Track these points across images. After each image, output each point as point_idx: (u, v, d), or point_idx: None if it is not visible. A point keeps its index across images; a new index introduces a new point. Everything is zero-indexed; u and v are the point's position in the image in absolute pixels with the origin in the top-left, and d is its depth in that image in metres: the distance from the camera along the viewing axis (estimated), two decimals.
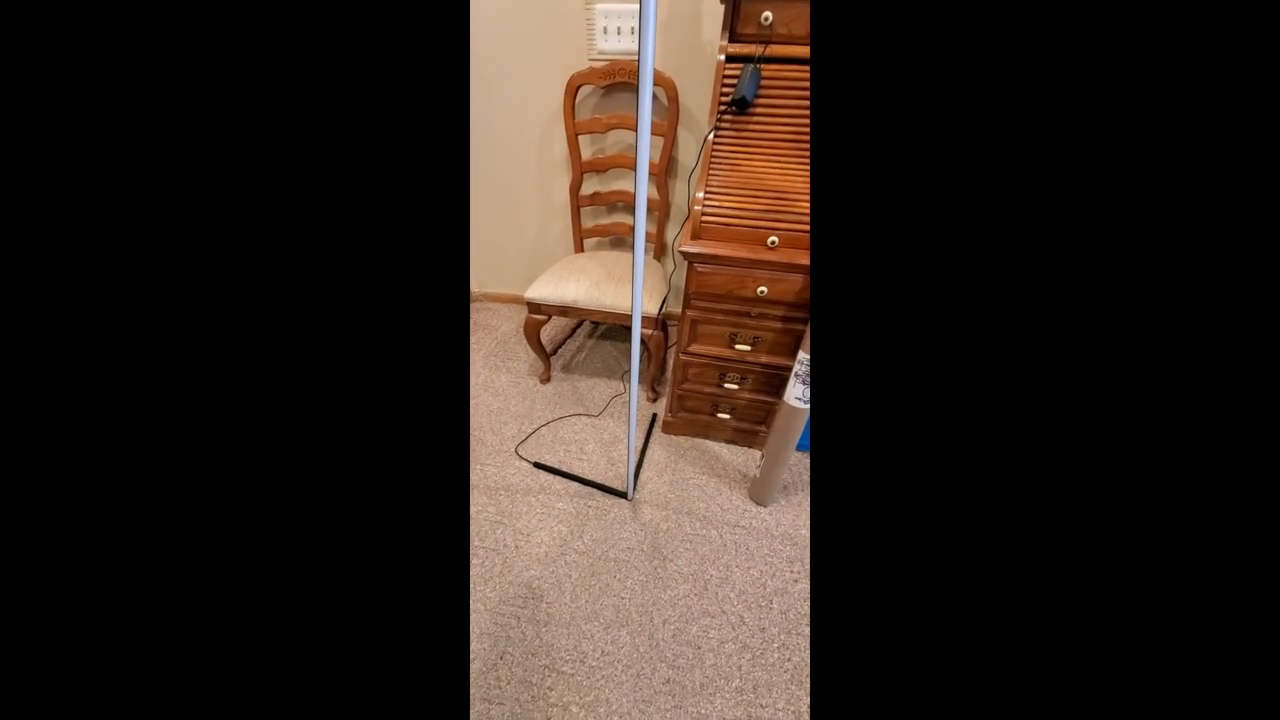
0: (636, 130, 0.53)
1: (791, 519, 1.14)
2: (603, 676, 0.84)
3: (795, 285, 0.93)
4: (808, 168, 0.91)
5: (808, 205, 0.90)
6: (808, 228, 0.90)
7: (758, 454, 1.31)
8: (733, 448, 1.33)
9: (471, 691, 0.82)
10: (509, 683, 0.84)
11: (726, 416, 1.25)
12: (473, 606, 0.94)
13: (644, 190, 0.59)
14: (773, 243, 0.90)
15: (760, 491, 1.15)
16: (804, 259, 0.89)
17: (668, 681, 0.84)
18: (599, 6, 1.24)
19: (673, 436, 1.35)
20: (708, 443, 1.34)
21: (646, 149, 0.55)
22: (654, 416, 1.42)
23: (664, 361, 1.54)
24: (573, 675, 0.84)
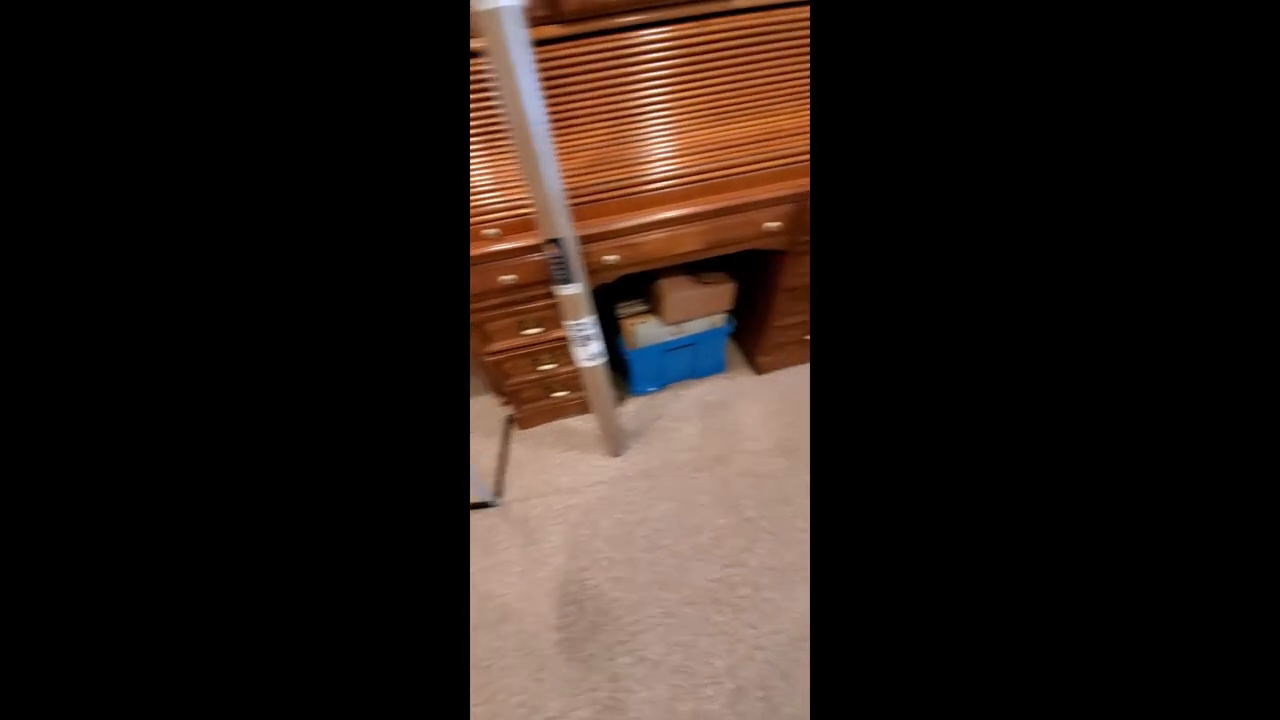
0: None
1: (644, 458, 1.27)
2: (500, 669, 0.91)
3: (540, 264, 1.00)
4: (503, 159, 0.96)
5: (517, 191, 0.95)
6: (521, 212, 0.96)
7: None
8: (586, 417, 1.42)
9: None
10: None
11: (564, 393, 1.33)
12: None
13: None
14: (494, 234, 0.95)
15: (610, 446, 1.26)
16: (532, 239, 0.96)
17: (560, 642, 0.93)
18: None
19: (531, 429, 1.41)
20: (565, 421, 1.42)
21: None
22: (509, 418, 1.46)
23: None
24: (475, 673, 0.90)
